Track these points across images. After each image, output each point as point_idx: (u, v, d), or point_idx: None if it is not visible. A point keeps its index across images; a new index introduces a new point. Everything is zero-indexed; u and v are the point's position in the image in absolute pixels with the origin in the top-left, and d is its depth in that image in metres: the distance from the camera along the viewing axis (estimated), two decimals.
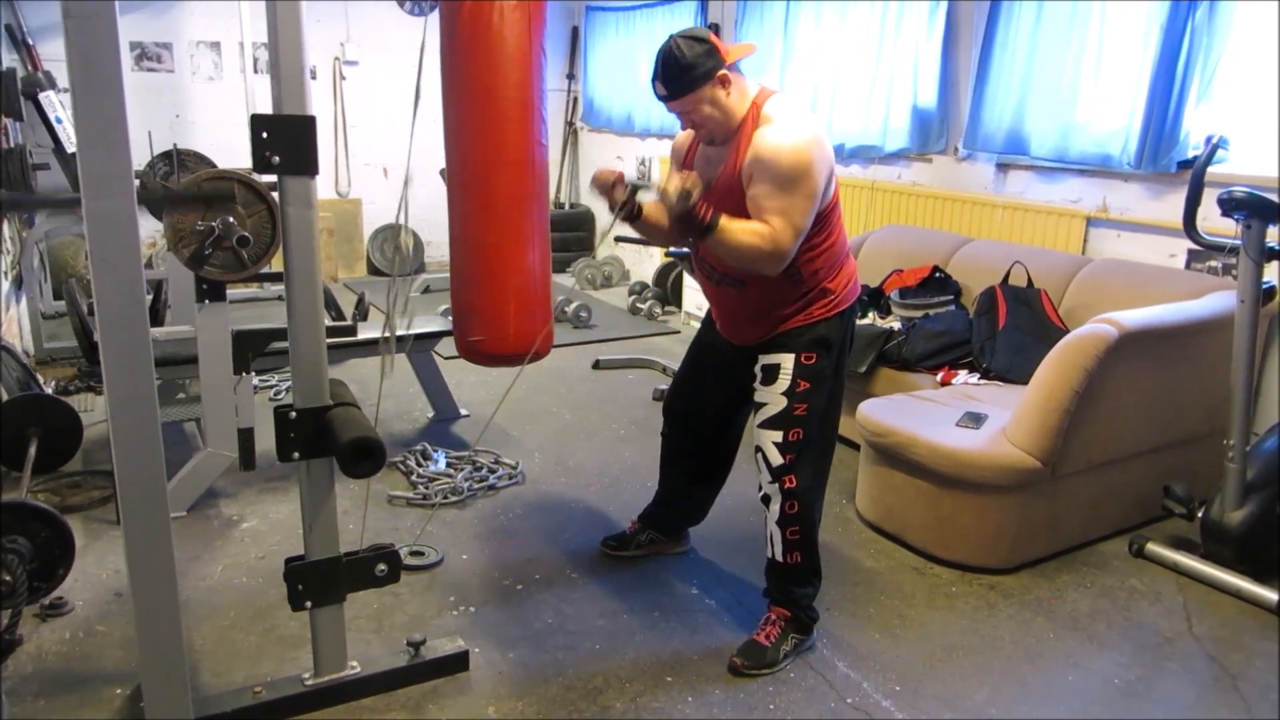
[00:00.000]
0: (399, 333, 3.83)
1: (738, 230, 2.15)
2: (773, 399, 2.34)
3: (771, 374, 2.34)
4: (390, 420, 4.04)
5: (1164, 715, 2.28)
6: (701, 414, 2.70)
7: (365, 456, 1.94)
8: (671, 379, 4.61)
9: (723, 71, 2.19)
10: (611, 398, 4.43)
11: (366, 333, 3.55)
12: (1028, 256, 3.77)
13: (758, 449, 2.38)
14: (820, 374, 2.34)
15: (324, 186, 6.82)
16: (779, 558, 2.41)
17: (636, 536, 2.94)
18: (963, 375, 3.47)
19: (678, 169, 2.46)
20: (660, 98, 2.24)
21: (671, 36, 2.21)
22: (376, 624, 2.54)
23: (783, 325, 2.34)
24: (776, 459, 2.33)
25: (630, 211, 2.37)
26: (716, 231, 2.14)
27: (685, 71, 2.17)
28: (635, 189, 2.33)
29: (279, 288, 5.54)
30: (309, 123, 1.87)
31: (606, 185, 2.34)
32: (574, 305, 5.72)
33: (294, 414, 2.01)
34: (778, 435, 2.33)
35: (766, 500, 2.39)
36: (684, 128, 2.35)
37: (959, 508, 2.86)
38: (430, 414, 4.11)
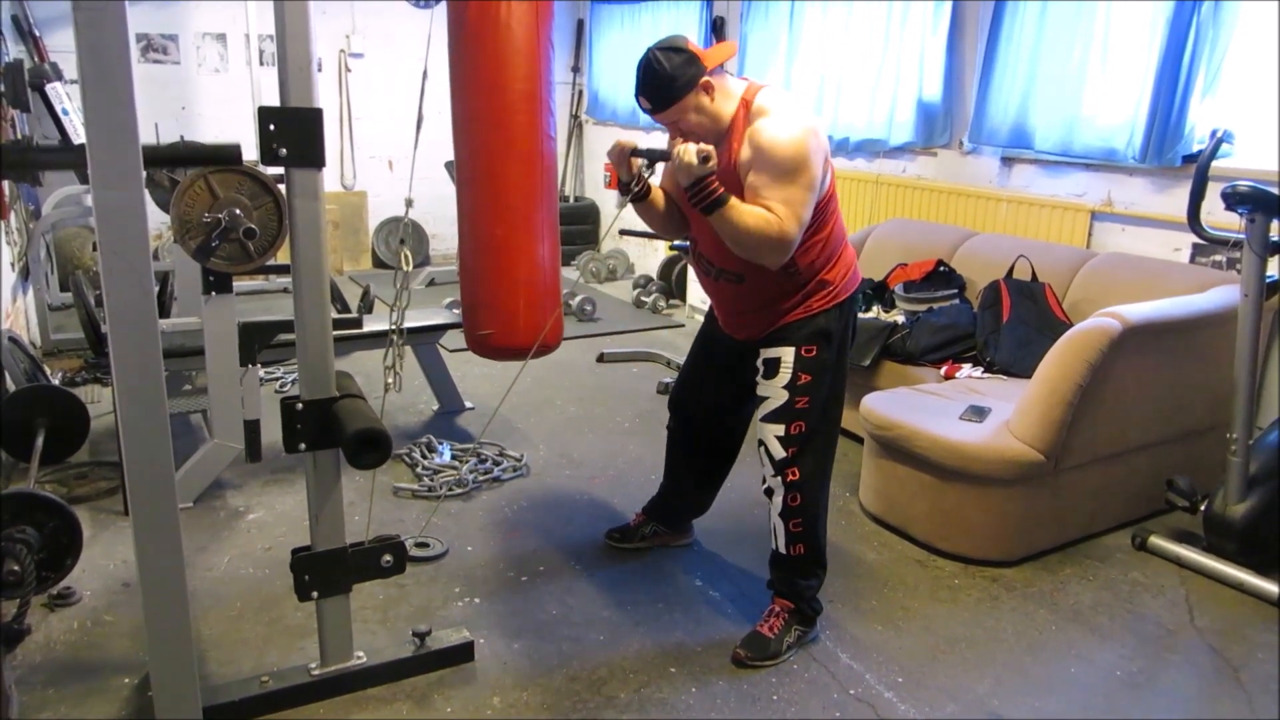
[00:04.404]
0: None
1: (746, 212, 2.12)
2: (774, 392, 2.34)
3: (773, 368, 2.35)
4: (395, 412, 4.06)
5: (1166, 707, 2.29)
6: (707, 408, 2.71)
7: (371, 447, 1.94)
8: (677, 373, 4.68)
9: (705, 78, 2.18)
10: (616, 391, 4.44)
11: (372, 325, 3.56)
12: (1032, 250, 3.77)
13: (760, 443, 2.38)
14: (821, 366, 2.34)
15: (329, 179, 6.79)
16: (782, 550, 2.42)
17: (641, 529, 2.95)
18: (966, 369, 3.48)
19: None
20: (645, 111, 2.24)
21: (649, 49, 2.19)
22: (382, 615, 2.56)
23: (782, 319, 2.35)
24: (779, 452, 2.34)
25: (643, 189, 2.33)
26: (726, 207, 2.11)
27: (668, 84, 2.16)
28: (654, 157, 2.26)
29: (285, 280, 5.56)
30: (316, 115, 1.88)
31: (624, 155, 2.29)
32: (579, 299, 5.73)
33: (300, 405, 2.02)
34: (780, 429, 2.34)
35: (770, 493, 2.40)
36: (672, 138, 2.32)
37: (962, 501, 2.87)
38: (435, 406, 4.13)
